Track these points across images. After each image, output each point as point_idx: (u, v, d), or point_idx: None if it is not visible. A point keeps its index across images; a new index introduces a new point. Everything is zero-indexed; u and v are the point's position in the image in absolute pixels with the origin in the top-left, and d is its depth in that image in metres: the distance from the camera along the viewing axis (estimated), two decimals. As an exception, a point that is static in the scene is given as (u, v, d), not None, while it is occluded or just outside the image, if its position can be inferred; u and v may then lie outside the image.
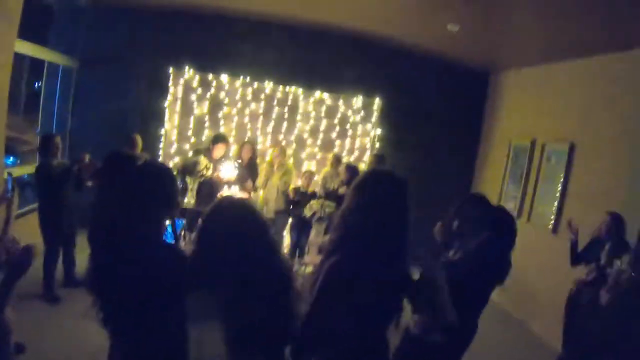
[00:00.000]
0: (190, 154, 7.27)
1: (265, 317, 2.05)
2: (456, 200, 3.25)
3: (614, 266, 4.34)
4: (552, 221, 6.56)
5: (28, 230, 5.74)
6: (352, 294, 2.13)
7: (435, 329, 2.59)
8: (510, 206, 7.49)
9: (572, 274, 5.20)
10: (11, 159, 7.93)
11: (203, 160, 6.48)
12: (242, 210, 2.16)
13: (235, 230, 2.07)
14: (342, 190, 6.80)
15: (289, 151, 8.20)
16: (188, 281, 2.13)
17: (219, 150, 6.69)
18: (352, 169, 6.90)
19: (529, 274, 6.85)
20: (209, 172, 6.51)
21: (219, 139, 6.82)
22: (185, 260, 2.22)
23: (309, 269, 5.26)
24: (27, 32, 6.29)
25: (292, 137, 8.43)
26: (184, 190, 6.27)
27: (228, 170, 6.41)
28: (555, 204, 6.55)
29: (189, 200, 6.32)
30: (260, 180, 7.14)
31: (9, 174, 4.09)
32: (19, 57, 6.50)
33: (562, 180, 6.49)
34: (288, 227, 7.43)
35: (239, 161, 6.97)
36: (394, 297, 2.28)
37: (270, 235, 2.23)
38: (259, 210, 2.26)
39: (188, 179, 6.36)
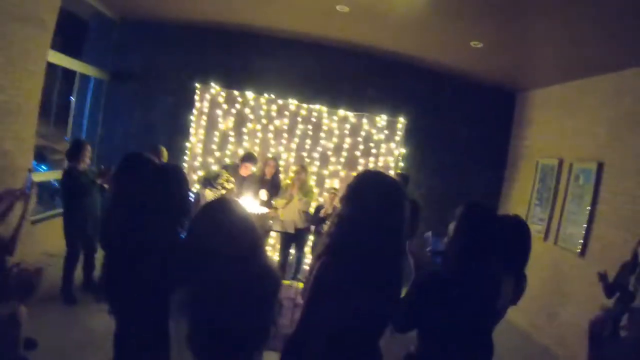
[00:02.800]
0: (216, 168, 7.39)
1: (234, 317, 2.04)
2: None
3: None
4: (580, 244, 6.34)
5: (52, 234, 5.88)
6: (340, 294, 2.11)
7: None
8: (538, 228, 7.32)
9: (600, 298, 4.97)
10: (43, 167, 8.16)
11: (224, 173, 6.59)
12: (227, 210, 2.16)
13: (218, 229, 2.09)
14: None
15: (312, 169, 8.20)
16: (173, 276, 2.19)
17: (246, 169, 6.83)
18: (403, 177, 6.91)
19: (555, 297, 6.65)
20: (230, 186, 6.60)
21: (249, 158, 6.96)
22: None
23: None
24: (62, 44, 6.53)
25: (316, 154, 8.44)
26: (198, 201, 6.34)
27: (261, 196, 6.87)
28: (584, 225, 6.34)
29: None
30: (281, 201, 7.12)
31: (29, 170, 4.16)
32: (52, 69, 6.72)
33: (590, 200, 6.30)
34: (310, 245, 7.40)
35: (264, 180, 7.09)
36: (384, 304, 2.24)
37: (255, 236, 2.22)
38: (243, 210, 2.25)
39: (207, 191, 6.43)
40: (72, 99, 8.18)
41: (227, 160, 7.96)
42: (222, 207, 2.19)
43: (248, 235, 2.16)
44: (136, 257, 2.59)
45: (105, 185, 5.40)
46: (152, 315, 2.47)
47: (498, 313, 2.88)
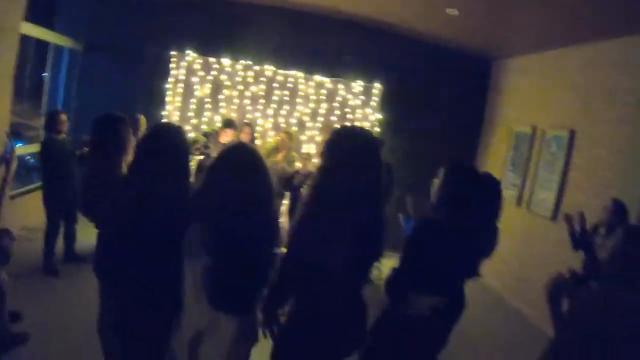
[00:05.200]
0: (194, 135, 7.35)
1: (249, 252, 2.26)
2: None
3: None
4: (552, 209, 6.54)
5: (31, 208, 5.83)
6: (323, 238, 2.22)
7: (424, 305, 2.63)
8: (511, 194, 7.50)
9: (571, 262, 5.18)
10: (20, 143, 8.03)
11: (200, 138, 6.58)
12: (246, 155, 2.37)
13: (237, 173, 2.28)
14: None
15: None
16: (188, 215, 2.35)
17: (227, 135, 6.80)
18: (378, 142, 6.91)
19: (528, 261, 6.88)
20: (208, 151, 6.58)
21: (228, 124, 6.93)
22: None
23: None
24: (34, 15, 6.35)
25: (293, 120, 8.46)
26: None
27: None
28: (555, 191, 6.53)
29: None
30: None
31: (8, 135, 4.08)
32: (24, 44, 6.54)
33: (562, 167, 6.47)
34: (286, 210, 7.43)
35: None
36: (366, 249, 2.35)
37: (268, 183, 2.44)
38: (261, 158, 2.44)
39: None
40: (46, 74, 7.99)
41: (205, 127, 7.92)
42: (245, 154, 2.40)
43: (266, 179, 2.41)
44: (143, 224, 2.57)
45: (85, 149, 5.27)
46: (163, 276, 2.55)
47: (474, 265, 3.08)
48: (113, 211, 2.77)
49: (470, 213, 2.79)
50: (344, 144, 2.36)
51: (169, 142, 2.62)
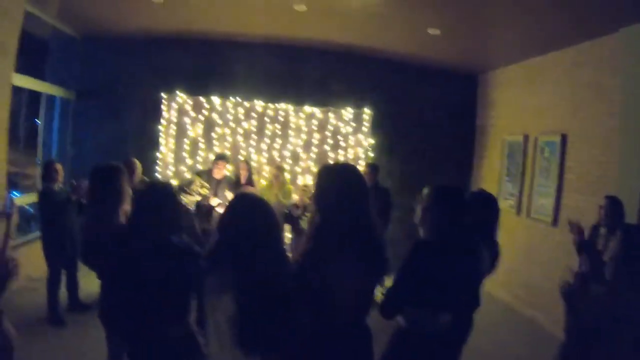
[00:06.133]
0: (189, 175, 7.40)
1: (268, 288, 2.30)
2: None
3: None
4: (552, 214, 6.56)
5: (33, 258, 5.83)
6: (325, 274, 2.30)
7: (428, 322, 2.63)
8: (510, 203, 7.52)
9: (575, 265, 5.15)
10: (16, 193, 8.06)
11: (197, 180, 6.65)
12: (256, 206, 2.47)
13: (250, 224, 2.36)
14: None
15: (284, 167, 8.22)
16: (209, 264, 2.43)
17: (220, 169, 6.86)
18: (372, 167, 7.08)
19: (534, 268, 6.85)
20: (205, 191, 6.67)
21: (221, 157, 7.02)
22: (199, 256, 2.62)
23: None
24: (24, 66, 6.47)
25: (287, 153, 8.51)
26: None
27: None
28: (553, 196, 6.56)
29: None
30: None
31: (8, 190, 4.15)
32: (17, 93, 6.64)
33: (557, 171, 6.51)
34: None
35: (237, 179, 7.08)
36: (367, 280, 2.45)
37: (279, 229, 2.55)
38: (269, 206, 2.53)
39: (185, 199, 6.45)
40: (39, 122, 8.09)
41: (200, 167, 7.96)
42: (254, 205, 2.48)
43: (276, 226, 2.49)
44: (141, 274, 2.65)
45: (83, 200, 5.34)
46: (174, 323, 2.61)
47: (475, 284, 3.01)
48: (112, 262, 2.82)
49: (463, 233, 2.79)
50: (328, 184, 2.50)
51: (161, 198, 2.76)
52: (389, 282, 2.71)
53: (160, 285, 2.55)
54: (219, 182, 6.97)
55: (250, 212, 2.43)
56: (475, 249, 2.83)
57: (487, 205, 3.36)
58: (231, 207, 2.52)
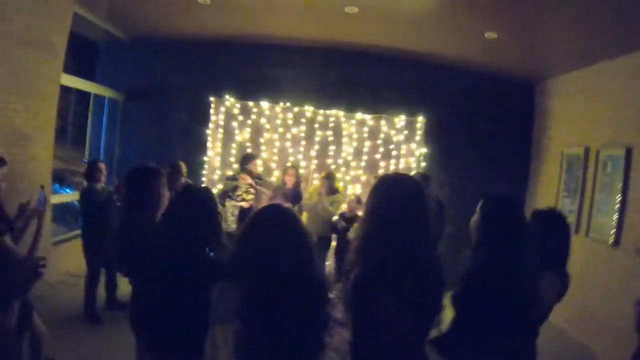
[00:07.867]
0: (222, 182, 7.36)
1: (288, 321, 2.01)
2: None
3: None
4: (613, 234, 6.10)
5: (74, 254, 5.93)
6: (381, 306, 2.01)
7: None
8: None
9: (636, 290, 4.73)
10: (67, 190, 8.29)
11: (242, 185, 6.55)
12: (283, 218, 2.18)
13: (274, 237, 2.08)
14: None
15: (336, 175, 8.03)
16: (221, 275, 2.32)
17: (255, 166, 6.85)
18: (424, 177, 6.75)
19: (590, 292, 6.39)
20: (250, 197, 6.58)
21: (250, 157, 6.97)
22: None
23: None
24: (74, 66, 6.64)
25: (340, 160, 8.37)
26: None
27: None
28: (615, 215, 6.10)
29: (229, 224, 6.35)
30: (306, 204, 7.03)
31: (42, 187, 4.18)
32: (66, 92, 6.83)
33: (620, 188, 6.06)
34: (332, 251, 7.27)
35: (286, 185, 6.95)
36: (427, 306, 2.12)
37: (309, 245, 2.17)
38: (299, 219, 2.28)
39: (228, 204, 6.40)
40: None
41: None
42: (281, 217, 2.19)
43: (306, 242, 2.15)
44: (167, 283, 2.61)
45: (116, 200, 5.37)
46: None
47: (542, 312, 2.83)
48: (141, 269, 2.82)
49: (513, 245, 2.49)
50: (386, 196, 2.19)
51: (195, 206, 2.73)
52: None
53: (184, 297, 2.49)
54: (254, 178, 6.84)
55: (276, 230, 2.12)
56: (533, 279, 2.54)
57: (555, 226, 2.97)
58: (258, 215, 2.23)
